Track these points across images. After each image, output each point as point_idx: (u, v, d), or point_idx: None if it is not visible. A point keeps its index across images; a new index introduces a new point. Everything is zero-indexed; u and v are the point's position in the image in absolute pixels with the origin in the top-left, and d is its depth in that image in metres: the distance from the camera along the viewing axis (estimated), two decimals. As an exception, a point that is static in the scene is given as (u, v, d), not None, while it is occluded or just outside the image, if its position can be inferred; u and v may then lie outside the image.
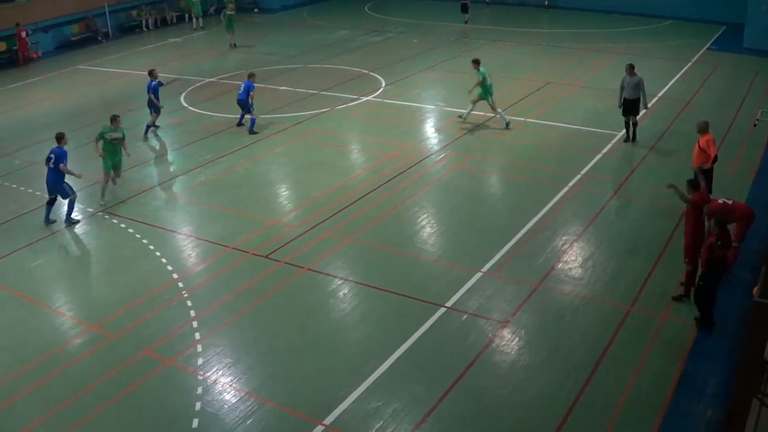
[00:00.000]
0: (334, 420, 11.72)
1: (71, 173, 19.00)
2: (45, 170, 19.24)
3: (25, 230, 19.34)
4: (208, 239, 18.05)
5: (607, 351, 13.07)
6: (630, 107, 22.08)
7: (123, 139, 20.40)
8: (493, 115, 24.33)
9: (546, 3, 44.95)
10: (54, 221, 19.26)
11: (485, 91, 24.09)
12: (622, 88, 21.99)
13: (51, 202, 19.40)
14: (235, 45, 39.71)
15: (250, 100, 25.14)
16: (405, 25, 42.36)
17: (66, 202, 19.25)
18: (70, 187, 19.14)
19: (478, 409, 11.89)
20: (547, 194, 19.05)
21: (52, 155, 18.97)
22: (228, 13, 39.83)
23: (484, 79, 24.05)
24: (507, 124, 24.23)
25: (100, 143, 20.19)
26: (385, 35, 40.36)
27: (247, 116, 25.42)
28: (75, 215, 19.40)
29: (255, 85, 25.45)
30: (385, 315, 14.57)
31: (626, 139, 22.61)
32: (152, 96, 25.21)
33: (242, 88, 25.19)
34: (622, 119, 22.45)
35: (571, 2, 44.21)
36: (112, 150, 20.23)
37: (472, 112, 24.66)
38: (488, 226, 17.80)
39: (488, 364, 12.89)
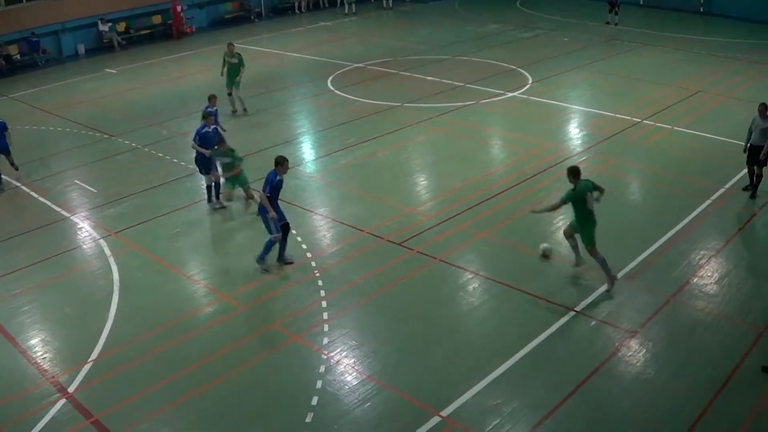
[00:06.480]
0: (451, 412, 11.79)
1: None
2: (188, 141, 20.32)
3: (165, 197, 20.28)
4: (344, 222, 18.39)
5: (735, 373, 12.53)
6: (755, 156, 18.44)
7: None
8: (629, 119, 24.17)
9: (701, 9, 43.15)
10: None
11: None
12: (750, 132, 18.46)
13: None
14: None
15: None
16: (556, 23, 41.75)
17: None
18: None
19: (597, 419, 11.72)
20: (689, 206, 18.43)
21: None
22: None
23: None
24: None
25: None
26: (535, 32, 39.92)
27: None
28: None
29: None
30: (512, 313, 14.51)
31: (745, 188, 19.11)
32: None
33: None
34: None
35: (727, 10, 41.81)
36: None
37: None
38: (625, 232, 17.38)
39: (612, 374, 12.67)
